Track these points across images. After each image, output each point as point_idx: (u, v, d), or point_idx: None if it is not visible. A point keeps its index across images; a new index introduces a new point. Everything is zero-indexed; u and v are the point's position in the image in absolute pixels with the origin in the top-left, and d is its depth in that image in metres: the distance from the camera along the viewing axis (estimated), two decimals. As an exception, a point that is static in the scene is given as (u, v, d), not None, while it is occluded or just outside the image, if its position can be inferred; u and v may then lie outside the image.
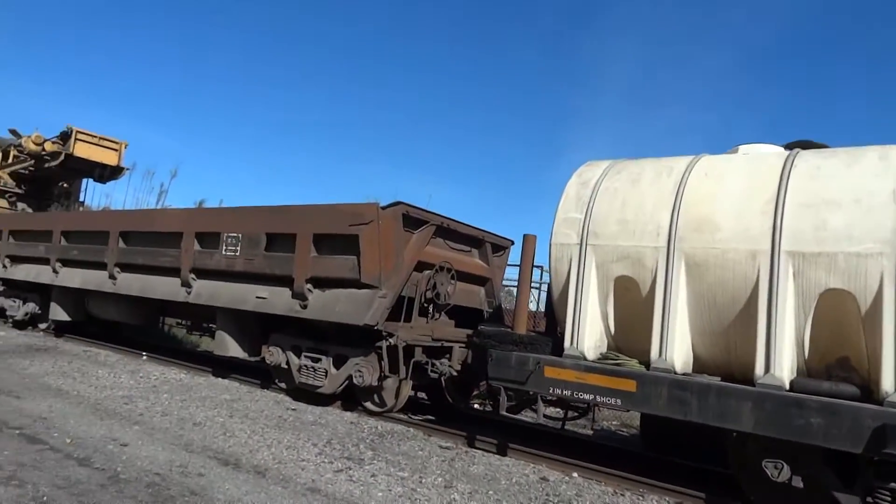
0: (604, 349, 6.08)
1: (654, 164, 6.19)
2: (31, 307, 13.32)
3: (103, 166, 14.04)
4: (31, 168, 15.25)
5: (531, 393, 6.19)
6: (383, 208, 7.28)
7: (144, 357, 11.02)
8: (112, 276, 10.58)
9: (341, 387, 7.73)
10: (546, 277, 10.11)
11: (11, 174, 16.02)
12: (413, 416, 8.32)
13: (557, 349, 6.09)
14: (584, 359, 5.86)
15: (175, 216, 9.78)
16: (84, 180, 16.85)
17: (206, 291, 8.99)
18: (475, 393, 9.34)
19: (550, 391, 5.82)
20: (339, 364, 7.73)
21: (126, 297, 10.88)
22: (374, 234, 7.16)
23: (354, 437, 6.73)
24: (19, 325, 13.75)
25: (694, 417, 5.12)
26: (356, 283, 7.33)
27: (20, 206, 16.14)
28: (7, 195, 15.97)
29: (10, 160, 16.01)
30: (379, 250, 7.16)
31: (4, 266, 13.59)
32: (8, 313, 13.76)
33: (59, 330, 13.36)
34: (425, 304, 7.88)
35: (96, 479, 4.65)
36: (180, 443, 6.00)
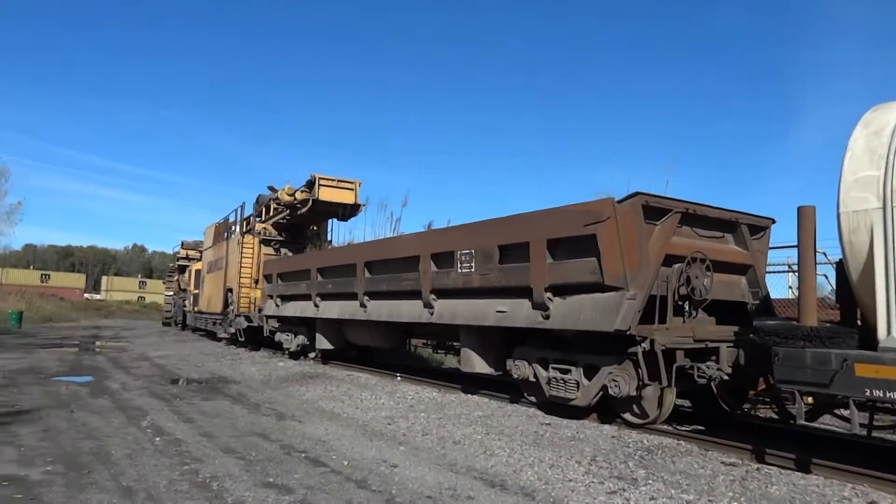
0: (935, 336, 4.76)
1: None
2: (301, 339, 14.99)
3: (344, 206, 15.44)
4: (287, 217, 17.34)
5: (839, 397, 5.08)
6: (619, 202, 6.69)
7: (398, 378, 11.62)
8: (363, 305, 11.38)
9: (595, 398, 7.22)
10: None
11: (273, 224, 18.41)
12: (678, 427, 7.48)
13: (867, 342, 4.92)
14: (911, 350, 4.63)
15: (410, 241, 10.21)
16: (329, 221, 18.73)
17: (447, 311, 9.15)
18: (753, 397, 8.16)
19: (866, 393, 4.69)
20: (590, 374, 7.24)
21: (377, 323, 11.63)
22: (612, 232, 6.60)
23: (620, 453, 6.16)
24: (293, 355, 15.56)
25: None
26: (600, 287, 6.80)
27: (283, 251, 18.44)
28: (272, 244, 18.38)
29: (270, 213, 18.40)
30: (620, 248, 6.57)
31: (277, 305, 15.52)
32: (284, 346, 15.65)
33: (325, 357, 14.83)
34: (679, 302, 7.06)
35: (376, 501, 4.74)
36: (444, 462, 5.99)
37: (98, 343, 21.63)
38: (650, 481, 5.25)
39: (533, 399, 8.33)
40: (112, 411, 8.14)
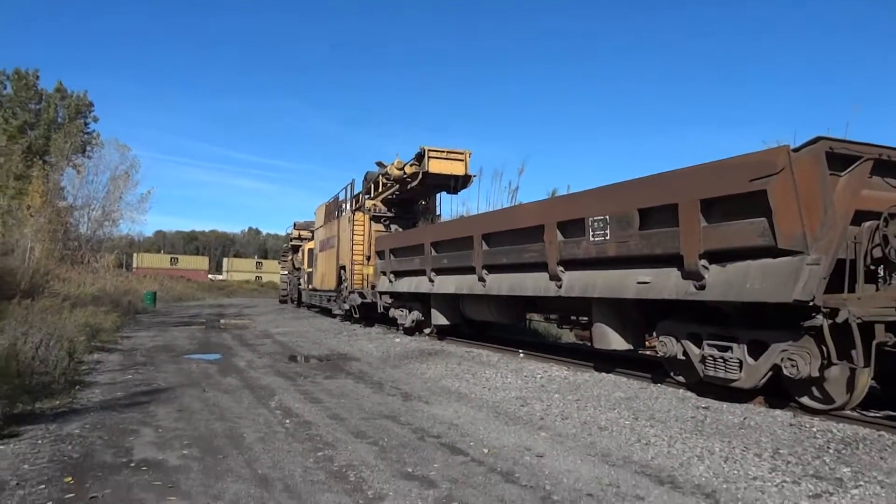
0: None
1: None
2: (416, 315, 14.72)
3: (454, 177, 14.88)
4: (396, 192, 17.07)
5: None
6: (795, 150, 5.63)
7: (521, 355, 11.03)
8: (481, 279, 10.82)
9: (763, 379, 6.25)
10: None
11: (382, 201, 18.24)
12: (865, 413, 6.36)
13: None
14: None
15: (533, 210, 9.48)
16: (438, 195, 18.32)
17: (578, 283, 8.39)
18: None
19: None
20: (755, 352, 6.27)
21: (496, 298, 11.06)
22: (788, 186, 5.57)
23: (808, 445, 5.22)
24: (408, 331, 15.35)
25: None
26: (770, 251, 5.81)
27: (393, 227, 18.26)
28: (382, 220, 18.23)
29: (379, 189, 18.23)
30: (798, 205, 5.54)
31: (390, 281, 15.33)
32: (399, 322, 15.47)
33: (440, 333, 14.49)
34: (872, 267, 5.92)
35: (530, 500, 4.16)
36: (595, 452, 5.32)
37: (223, 321, 22.65)
38: (861, 483, 4.32)
39: (681, 379, 7.45)
40: (241, 390, 8.11)
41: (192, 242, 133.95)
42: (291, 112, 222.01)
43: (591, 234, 7.97)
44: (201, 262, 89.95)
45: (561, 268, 8.71)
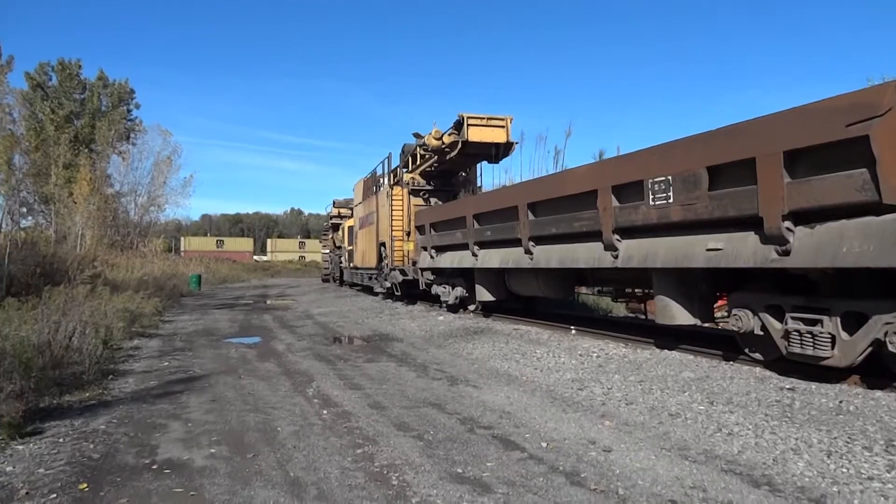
0: None
1: None
2: (459, 291, 14.14)
3: (495, 145, 14.11)
4: (434, 164, 16.40)
5: None
6: (905, 86, 4.75)
7: (573, 331, 10.34)
8: (528, 252, 10.13)
9: (861, 357, 5.44)
10: None
11: (420, 174, 17.61)
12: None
13: None
14: None
15: (583, 174, 8.69)
16: (479, 165, 17.58)
17: (637, 252, 7.63)
18: None
19: None
20: (851, 326, 5.46)
21: (545, 271, 10.36)
22: (895, 129, 4.70)
23: (927, 435, 4.43)
24: (451, 308, 14.80)
25: None
26: (872, 208, 4.96)
27: (432, 201, 17.64)
28: (421, 193, 17.62)
29: (418, 161, 17.59)
30: (909, 152, 4.67)
31: (432, 257, 14.76)
32: (442, 299, 14.92)
33: (485, 309, 13.89)
34: None
35: (603, 509, 3.54)
36: (669, 446, 4.66)
37: (266, 301, 22.56)
38: None
39: (758, 356, 6.67)
40: (278, 377, 7.69)
41: (236, 225, 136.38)
42: (330, 90, 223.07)
43: (651, 197, 7.18)
44: (246, 244, 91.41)
45: (617, 236, 7.95)
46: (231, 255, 70.98)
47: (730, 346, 7.42)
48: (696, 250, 6.68)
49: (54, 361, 7.54)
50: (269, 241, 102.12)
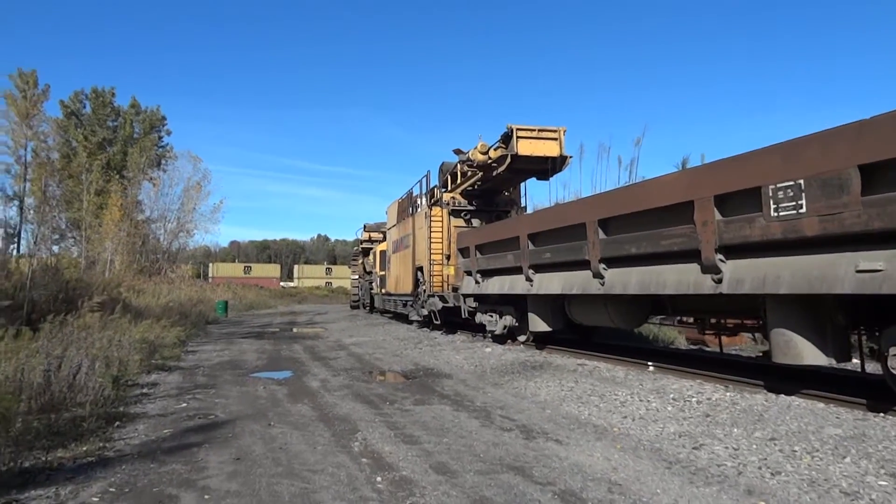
0: None
1: None
2: (509, 320, 12.80)
3: (547, 159, 12.85)
4: (478, 182, 15.20)
5: None
6: None
7: (651, 368, 8.92)
8: (598, 275, 8.79)
9: None
10: None
11: (462, 193, 16.43)
12: None
13: None
14: None
15: (673, 183, 7.37)
16: (523, 184, 16.37)
17: (751, 275, 6.26)
18: None
19: None
20: None
21: (616, 298, 9.00)
22: None
23: None
24: (498, 339, 13.45)
25: None
26: None
27: (474, 222, 16.42)
28: (462, 214, 16.41)
29: (458, 180, 16.42)
30: None
31: (477, 282, 13.47)
32: (487, 328, 13.59)
33: (537, 341, 12.52)
34: None
35: None
36: (874, 546, 3.26)
37: (294, 329, 21.42)
38: None
39: (926, 408, 5.22)
40: (315, 424, 6.42)
41: (264, 251, 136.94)
42: (354, 118, 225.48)
43: (772, 207, 5.83)
44: (273, 270, 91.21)
45: (720, 256, 6.60)
46: (258, 281, 70.59)
47: (872, 393, 5.98)
48: (841, 272, 5.29)
49: (53, 404, 6.40)
50: (296, 267, 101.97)
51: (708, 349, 13.89)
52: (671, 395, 7.06)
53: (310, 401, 7.74)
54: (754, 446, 5.11)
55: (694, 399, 6.78)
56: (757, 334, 11.46)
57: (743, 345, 14.24)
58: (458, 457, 5.13)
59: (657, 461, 4.92)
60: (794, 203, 5.62)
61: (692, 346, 15.03)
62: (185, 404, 7.48)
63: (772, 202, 5.83)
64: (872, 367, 7.09)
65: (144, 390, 8.33)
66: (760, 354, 12.09)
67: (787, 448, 4.96)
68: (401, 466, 4.86)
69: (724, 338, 10.14)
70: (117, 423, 6.31)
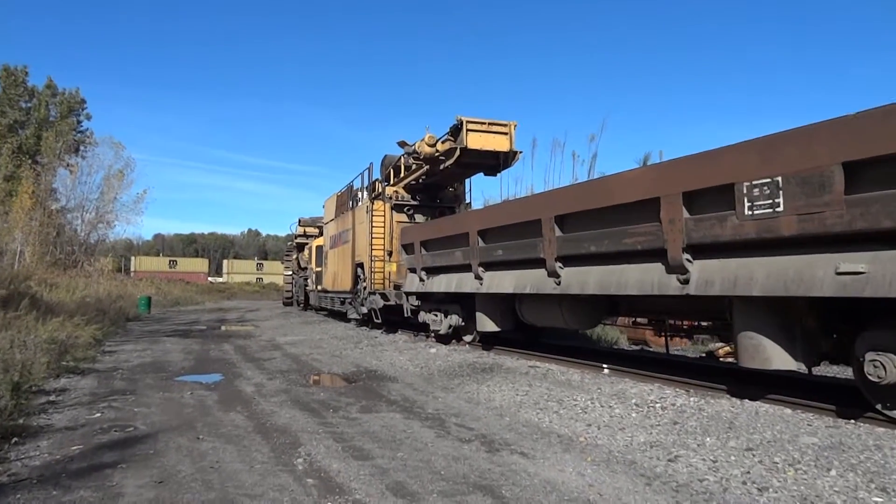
0: None
1: None
2: (454, 319, 12.33)
3: (496, 154, 12.45)
4: (423, 176, 14.66)
5: None
6: None
7: (606, 371, 8.64)
8: (553, 274, 8.43)
9: None
10: None
11: (405, 187, 15.85)
12: None
13: None
14: None
15: (639, 178, 7.05)
16: (468, 180, 15.93)
17: (720, 276, 6.00)
18: None
19: None
20: None
21: (572, 298, 8.67)
22: None
23: None
24: (442, 339, 12.98)
25: None
26: None
27: (417, 217, 15.87)
28: (405, 209, 15.82)
29: (402, 174, 15.82)
30: None
31: (422, 280, 12.93)
32: (431, 328, 13.08)
33: (484, 341, 12.12)
34: None
35: None
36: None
37: (224, 327, 20.26)
38: None
39: (897, 415, 5.06)
40: (251, 437, 5.72)
41: (191, 245, 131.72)
42: (294, 113, 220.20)
43: (746, 205, 5.58)
44: (200, 265, 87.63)
45: (687, 256, 6.32)
46: (185, 276, 67.55)
47: (840, 398, 5.84)
48: (820, 274, 5.07)
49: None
50: (225, 262, 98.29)
51: (650, 349, 13.89)
52: (633, 401, 6.75)
53: (244, 409, 7.00)
54: (732, 458, 4.80)
55: (658, 405, 6.49)
56: (702, 336, 11.47)
57: (685, 346, 14.31)
58: (417, 474, 4.58)
59: (635, 476, 4.53)
60: (770, 201, 5.38)
61: (634, 346, 15.03)
62: (98, 414, 6.60)
63: (746, 200, 5.58)
64: (835, 371, 7.02)
65: (51, 398, 7.35)
66: (703, 355, 12.14)
67: (768, 460, 4.68)
68: (353, 488, 4.28)
69: (668, 339, 10.01)
70: (15, 439, 5.40)
